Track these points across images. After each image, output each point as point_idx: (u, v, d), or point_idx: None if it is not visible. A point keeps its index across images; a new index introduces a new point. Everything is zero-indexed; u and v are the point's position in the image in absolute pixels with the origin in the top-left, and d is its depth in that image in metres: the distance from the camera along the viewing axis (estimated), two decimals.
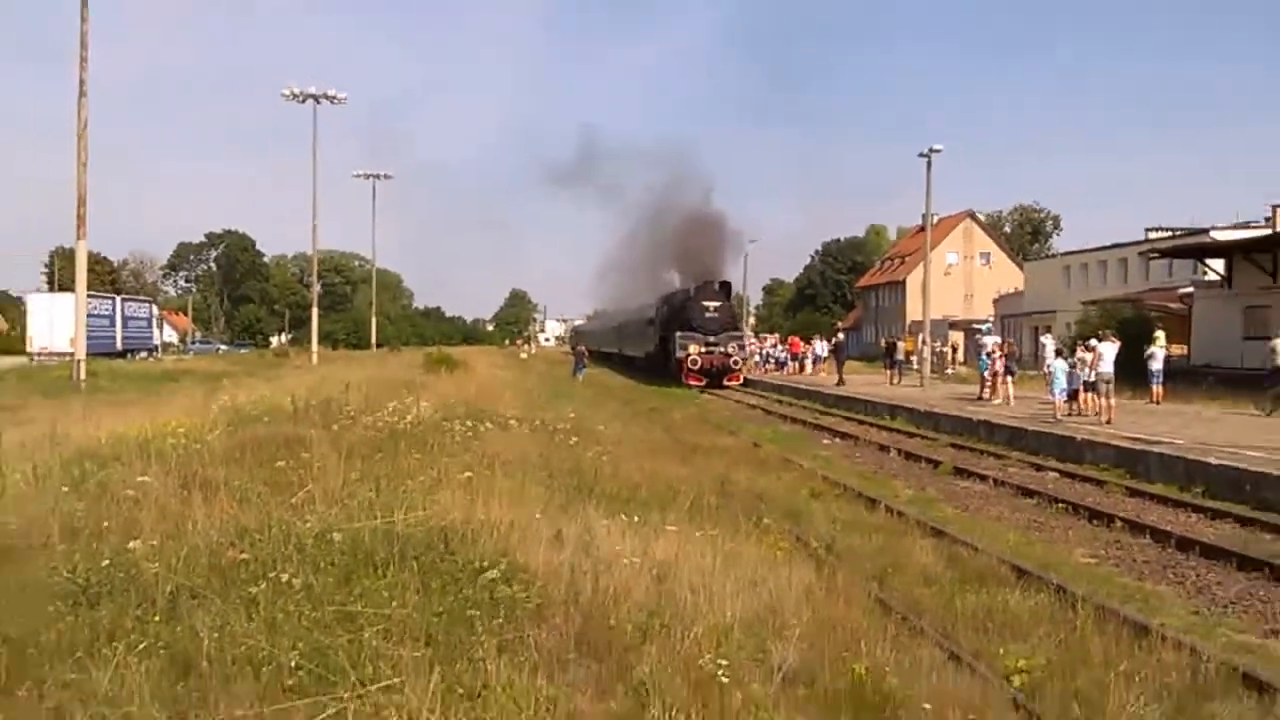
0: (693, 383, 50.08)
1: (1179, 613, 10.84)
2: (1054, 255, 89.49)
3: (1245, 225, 57.30)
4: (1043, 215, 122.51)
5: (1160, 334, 33.81)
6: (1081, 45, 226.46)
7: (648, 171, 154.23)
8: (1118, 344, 28.10)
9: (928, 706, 6.80)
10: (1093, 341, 28.04)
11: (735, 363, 52.29)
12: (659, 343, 58.02)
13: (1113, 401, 26.48)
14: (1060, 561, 12.98)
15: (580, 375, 56.47)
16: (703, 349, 50.99)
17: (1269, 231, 48.94)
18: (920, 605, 10.32)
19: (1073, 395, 28.79)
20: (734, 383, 51.82)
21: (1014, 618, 9.90)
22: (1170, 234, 63.41)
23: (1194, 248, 48.87)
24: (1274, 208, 55.09)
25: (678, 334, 52.18)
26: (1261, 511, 15.68)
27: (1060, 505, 16.96)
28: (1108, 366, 26.81)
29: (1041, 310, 68.01)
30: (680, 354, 51.11)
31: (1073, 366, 28.18)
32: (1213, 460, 18.28)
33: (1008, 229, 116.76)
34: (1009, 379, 33.55)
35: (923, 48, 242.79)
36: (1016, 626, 9.64)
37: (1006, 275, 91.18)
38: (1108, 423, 25.12)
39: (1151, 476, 19.13)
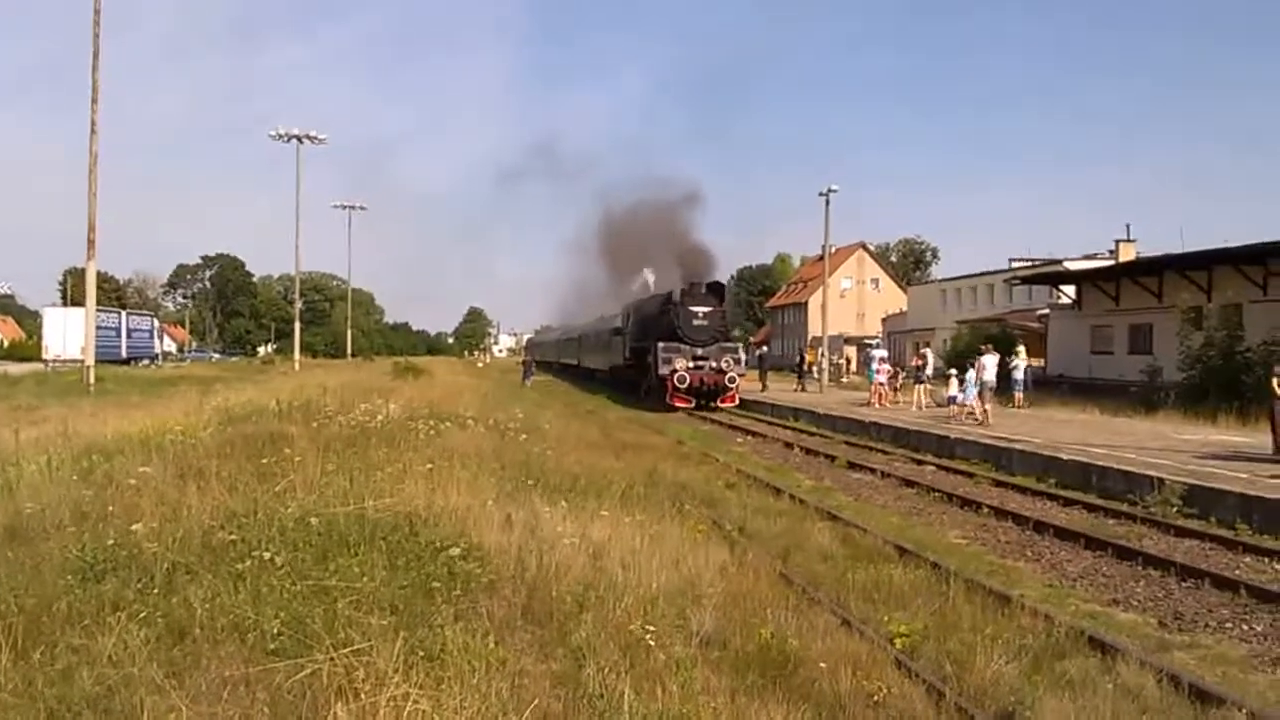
0: (679, 404, 37.39)
1: (1036, 585, 11.00)
2: (933, 281, 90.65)
3: (1092, 257, 58.64)
4: (924, 247, 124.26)
5: (1021, 349, 34.34)
6: (954, 99, 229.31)
7: (607, 171, 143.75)
8: (998, 356, 28.44)
9: (823, 665, 6.88)
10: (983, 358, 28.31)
11: (731, 380, 38.20)
12: (630, 355, 45.30)
13: (989, 406, 26.77)
14: (936, 542, 13.11)
15: (529, 382, 55.47)
16: (690, 363, 37.79)
17: (1111, 263, 49.94)
18: (818, 579, 10.38)
19: (951, 400, 29.20)
20: (728, 404, 38.54)
21: (897, 589, 9.98)
22: (1030, 263, 64.37)
23: (1050, 276, 49.68)
24: (1116, 243, 56.28)
25: (660, 345, 38.58)
26: (1104, 499, 15.96)
27: (936, 494, 17.12)
28: (989, 375, 27.12)
29: (922, 328, 68.68)
30: (664, 370, 37.67)
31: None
32: (1064, 456, 18.57)
33: (894, 258, 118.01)
34: (919, 386, 33.73)
35: (820, 101, 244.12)
36: (899, 597, 9.72)
37: (893, 298, 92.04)
38: (980, 423, 25.43)
39: (1014, 469, 19.38)
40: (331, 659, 5.16)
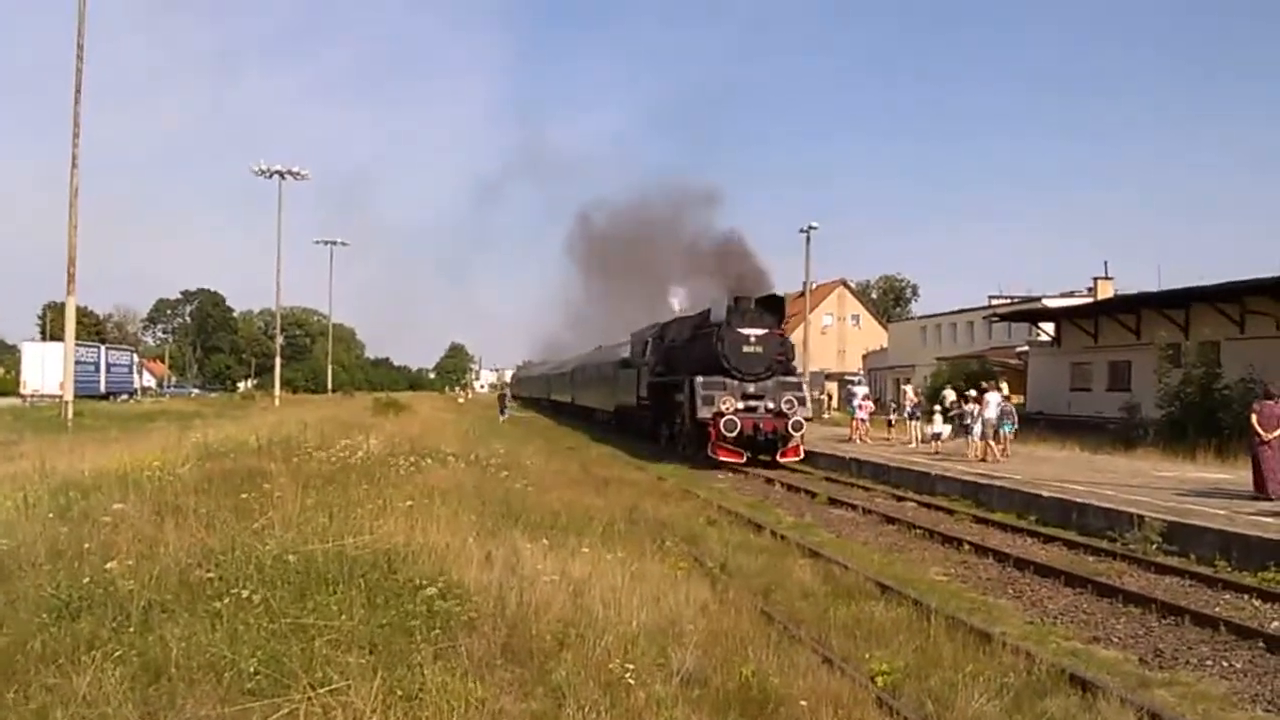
0: (726, 458, 28.46)
1: (1017, 622, 10.99)
2: (913, 318, 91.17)
3: (1071, 294, 59.05)
4: (904, 284, 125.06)
5: (1004, 385, 34.39)
6: (934, 135, 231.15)
7: (598, 188, 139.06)
8: (999, 394, 27.66)
9: (804, 704, 6.82)
10: (974, 392, 28.11)
11: (795, 426, 28.91)
12: (650, 393, 36.44)
13: (996, 444, 26.51)
14: (917, 579, 13.10)
15: (504, 416, 55.14)
16: (739, 404, 28.80)
17: (1090, 300, 50.31)
18: (799, 616, 10.34)
19: (935, 436, 29.22)
20: (791, 458, 29.42)
21: (878, 627, 9.94)
22: (1009, 301, 64.88)
23: (1029, 313, 50.03)
24: (1095, 280, 56.80)
25: (698, 381, 29.30)
26: (1084, 536, 16.00)
27: (918, 530, 17.14)
28: (992, 413, 26.46)
29: (902, 364, 68.97)
30: (705, 412, 28.69)
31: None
32: (1044, 493, 18.62)
33: (874, 295, 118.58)
34: (913, 423, 33.66)
35: (799, 137, 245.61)
36: (880, 634, 9.68)
37: (873, 334, 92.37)
38: (987, 461, 25.36)
39: (994, 506, 19.42)
40: (309, 699, 5.12)
